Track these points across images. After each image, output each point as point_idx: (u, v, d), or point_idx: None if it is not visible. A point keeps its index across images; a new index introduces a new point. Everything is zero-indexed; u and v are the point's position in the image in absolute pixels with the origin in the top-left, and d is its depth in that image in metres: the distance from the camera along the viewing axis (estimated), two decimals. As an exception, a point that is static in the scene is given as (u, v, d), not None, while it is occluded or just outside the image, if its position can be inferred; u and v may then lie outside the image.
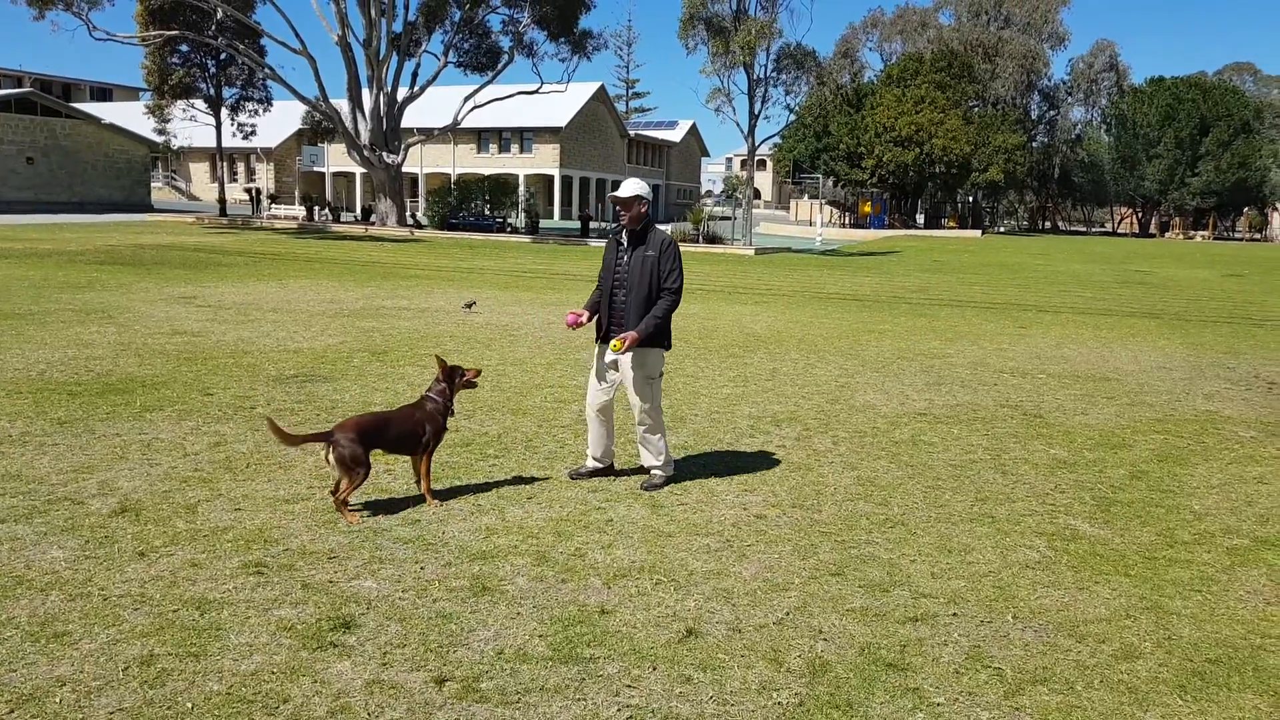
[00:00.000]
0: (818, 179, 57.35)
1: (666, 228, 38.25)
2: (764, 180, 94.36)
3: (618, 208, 5.37)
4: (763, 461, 6.13)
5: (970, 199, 72.48)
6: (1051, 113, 78.14)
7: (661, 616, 3.83)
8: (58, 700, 3.08)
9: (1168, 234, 73.81)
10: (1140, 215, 79.63)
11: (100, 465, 5.55)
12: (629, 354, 5.32)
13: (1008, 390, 8.89)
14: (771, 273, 23.97)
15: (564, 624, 3.72)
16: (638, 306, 5.29)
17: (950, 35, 70.14)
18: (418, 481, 5.10)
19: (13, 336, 9.81)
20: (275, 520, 4.76)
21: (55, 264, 18.24)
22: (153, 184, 52.95)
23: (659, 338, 5.40)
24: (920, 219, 68.46)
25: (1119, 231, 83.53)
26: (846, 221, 64.20)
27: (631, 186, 5.32)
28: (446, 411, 5.05)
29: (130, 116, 52.00)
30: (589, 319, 5.52)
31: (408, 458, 5.24)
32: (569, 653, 3.50)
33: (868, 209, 60.83)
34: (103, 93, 79.18)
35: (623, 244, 5.43)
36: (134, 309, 12.28)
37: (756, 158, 38.64)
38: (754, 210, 39.92)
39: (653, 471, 5.56)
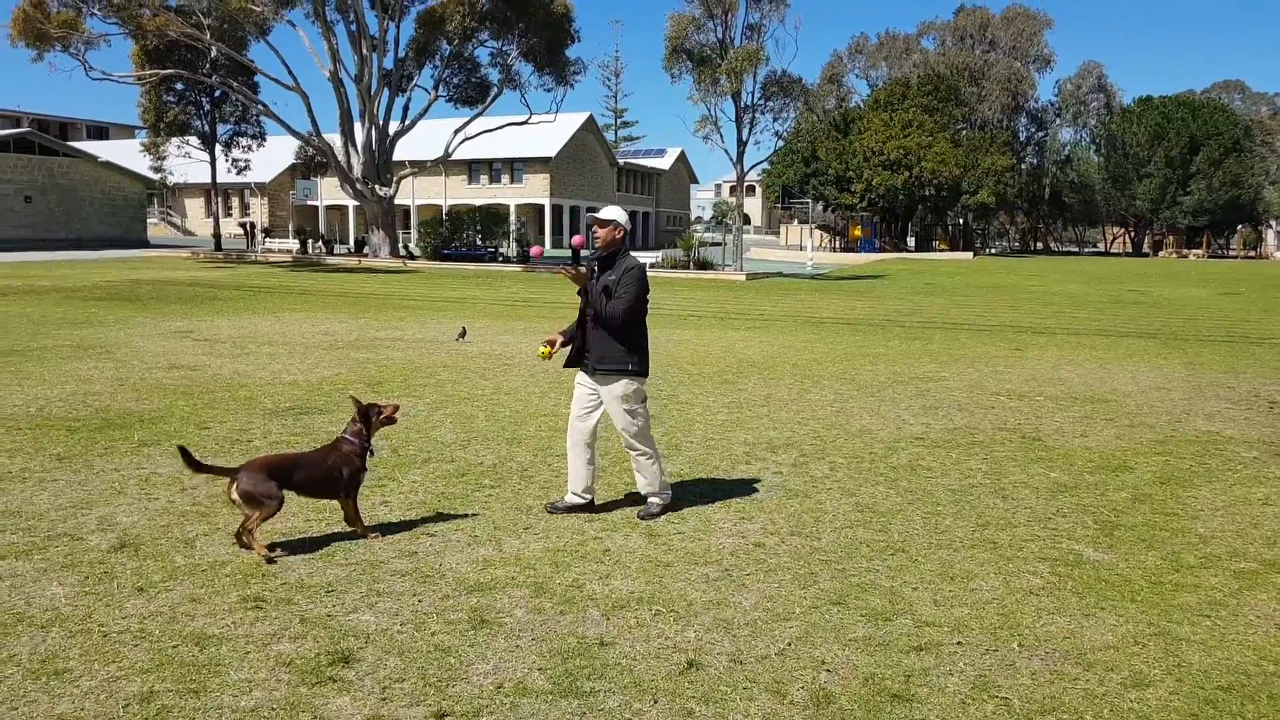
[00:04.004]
0: (807, 204, 57.63)
1: (657, 254, 38.47)
2: (754, 206, 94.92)
3: (594, 228, 5.37)
4: (760, 489, 6.10)
5: (961, 221, 72.95)
6: (1040, 134, 78.91)
7: (662, 648, 3.80)
8: (57, 739, 3.06)
9: (1161, 253, 74.23)
10: (1133, 234, 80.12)
11: (99, 501, 5.52)
12: (606, 388, 5.32)
13: (1005, 413, 8.88)
14: (763, 298, 24.03)
15: (563, 656, 3.69)
16: (600, 334, 5.28)
17: (936, 60, 70.98)
18: (347, 520, 4.95)
19: (11, 373, 9.79)
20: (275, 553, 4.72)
21: (53, 300, 18.24)
22: (149, 220, 53.06)
23: (622, 365, 5.28)
24: (911, 242, 68.83)
25: (1112, 251, 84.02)
26: (837, 245, 64.51)
27: (611, 211, 5.35)
28: (364, 452, 4.89)
29: (126, 154, 52.24)
30: (561, 344, 5.47)
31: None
32: (569, 686, 3.47)
33: (858, 233, 61.17)
34: (99, 131, 79.58)
35: (595, 272, 5.43)
36: (131, 344, 12.27)
37: (746, 183, 38.82)
38: (744, 236, 40.09)
39: (650, 500, 5.53)
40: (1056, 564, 4.87)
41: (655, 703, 3.37)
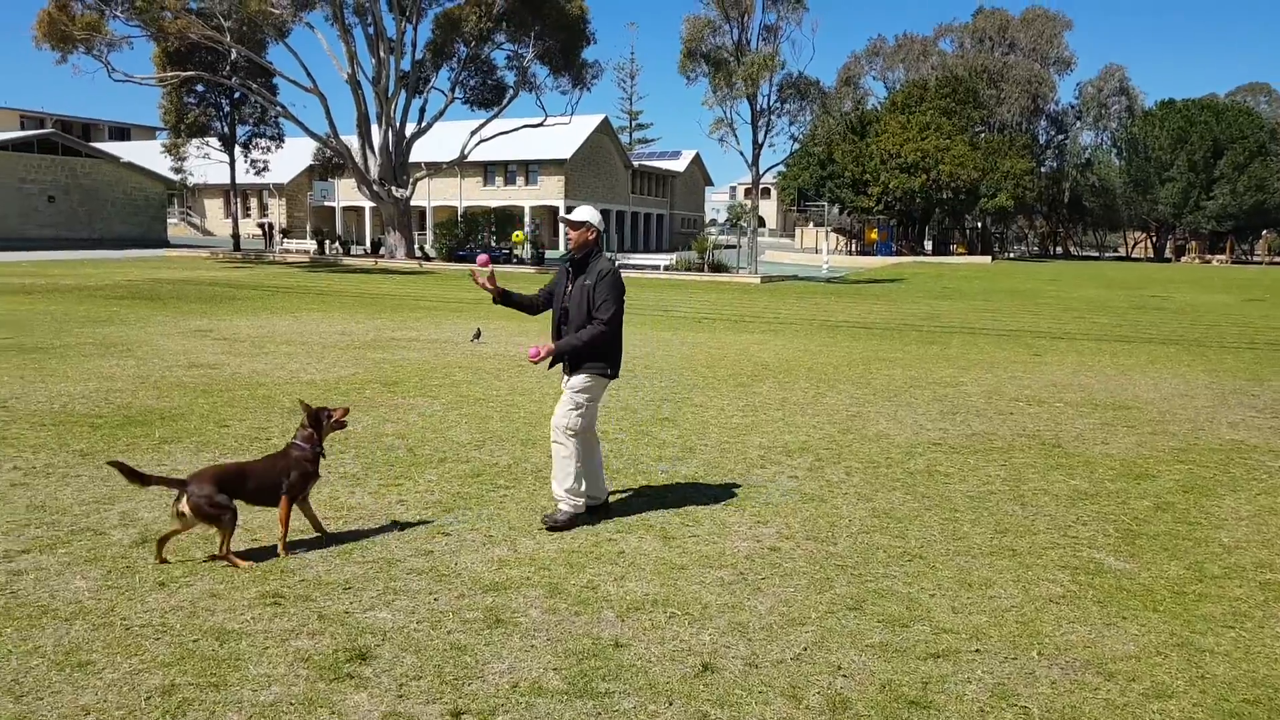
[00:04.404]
0: (823, 206, 57.49)
1: (671, 256, 38.46)
2: (769, 208, 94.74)
3: (567, 230, 5.30)
4: (775, 493, 6.08)
5: (979, 225, 72.47)
6: (1060, 137, 78.25)
7: (677, 651, 3.79)
8: (82, 729, 3.10)
9: (1184, 258, 73.35)
10: (1155, 239, 79.36)
11: (121, 496, 5.57)
12: (570, 379, 5.25)
13: (1024, 419, 8.81)
14: (778, 301, 23.98)
15: (578, 657, 3.69)
16: (575, 334, 5.21)
17: (954, 62, 70.56)
18: (313, 525, 4.91)
19: (36, 370, 9.90)
20: (291, 550, 4.75)
21: (76, 299, 18.42)
22: (169, 220, 53.58)
23: (592, 361, 5.20)
24: (928, 245, 68.50)
25: (1133, 256, 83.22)
26: (853, 249, 64.26)
27: (584, 212, 5.26)
28: (316, 455, 4.81)
29: (147, 155, 52.75)
30: (496, 288, 5.30)
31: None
32: (584, 687, 3.47)
33: (874, 236, 60.91)
34: (121, 132, 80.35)
35: (570, 273, 5.34)
36: (152, 342, 12.37)
37: (761, 186, 38.73)
38: (759, 239, 40.03)
39: (560, 503, 5.25)
40: (1077, 572, 4.83)
41: (670, 705, 3.36)
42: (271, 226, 49.66)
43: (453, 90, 38.46)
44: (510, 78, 38.92)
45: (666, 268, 35.16)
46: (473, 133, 38.23)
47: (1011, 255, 75.34)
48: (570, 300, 5.23)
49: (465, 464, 6.56)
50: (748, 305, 22.23)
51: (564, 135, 53.56)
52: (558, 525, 5.17)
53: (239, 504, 4.56)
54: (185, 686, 3.40)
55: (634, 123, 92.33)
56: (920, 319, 19.54)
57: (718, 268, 34.71)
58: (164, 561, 4.50)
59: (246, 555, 4.63)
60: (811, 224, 69.08)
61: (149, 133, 74.57)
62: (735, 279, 32.17)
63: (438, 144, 45.69)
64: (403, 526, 5.18)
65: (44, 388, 8.93)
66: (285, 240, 50.46)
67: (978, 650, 3.88)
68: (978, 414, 8.98)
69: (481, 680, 3.50)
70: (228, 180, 45.79)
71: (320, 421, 4.87)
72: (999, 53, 71.55)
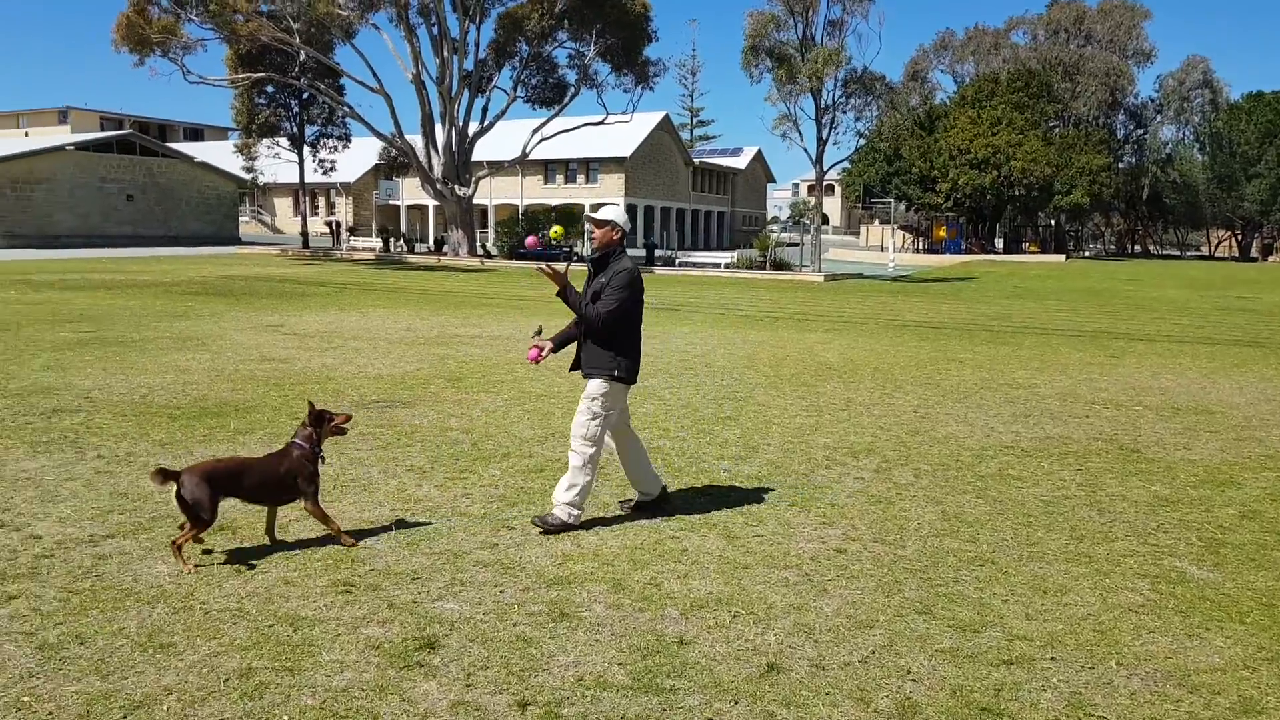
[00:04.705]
0: (889, 203, 56.56)
1: (732, 254, 38.25)
2: (832, 205, 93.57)
3: (591, 228, 5.22)
4: (841, 494, 5.99)
5: (1052, 223, 70.53)
6: (1139, 132, 75.59)
7: (742, 650, 3.76)
8: (165, 708, 3.21)
9: (1271, 258, 70.32)
10: (1240, 238, 76.31)
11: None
12: (586, 384, 5.14)
13: (1101, 423, 8.54)
14: (842, 300, 23.69)
15: (643, 653, 3.69)
16: (587, 334, 5.11)
17: (1027, 55, 68.72)
18: (321, 522, 4.79)
19: (118, 363, 10.27)
20: (361, 540, 4.85)
21: (153, 294, 19.07)
22: (240, 218, 55.09)
23: (608, 369, 5.05)
24: (999, 243, 66.90)
25: (1216, 255, 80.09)
26: (920, 246, 63.13)
27: (609, 211, 5.19)
28: (315, 457, 4.74)
29: (220, 155, 54.32)
30: (550, 351, 5.25)
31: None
32: (649, 683, 3.46)
33: (943, 233, 59.69)
34: (195, 133, 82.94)
35: (591, 273, 5.26)
36: (226, 337, 12.74)
37: (825, 183, 38.27)
38: (823, 236, 39.59)
39: (556, 507, 5.07)
40: (1157, 581, 4.66)
41: (736, 704, 3.34)
42: (339, 224, 50.79)
43: (514, 89, 38.82)
44: (571, 76, 39.18)
45: (728, 266, 34.99)
46: (534, 131, 38.54)
47: (1087, 254, 73.19)
48: (576, 298, 5.15)
49: (528, 459, 6.61)
50: (811, 304, 22.01)
51: (624, 133, 53.67)
52: (548, 529, 5.02)
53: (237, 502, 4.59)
54: (262, 670, 3.49)
55: (695, 120, 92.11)
56: (991, 319, 19.12)
57: (780, 266, 34.43)
58: (207, 551, 4.61)
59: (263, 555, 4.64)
60: (877, 221, 68.07)
61: (221, 133, 76.87)
62: (798, 277, 31.88)
63: (499, 143, 46.15)
64: (469, 521, 5.23)
65: (125, 380, 9.25)
66: (352, 238, 51.55)
67: (1053, 658, 3.77)
68: (1052, 417, 8.74)
69: (547, 673, 3.52)
70: (297, 179, 46.92)
71: (322, 421, 4.81)
72: (1074, 45, 69.43)
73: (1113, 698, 3.48)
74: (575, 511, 5.09)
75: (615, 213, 5.16)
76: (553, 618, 3.99)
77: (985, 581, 4.57)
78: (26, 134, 70.10)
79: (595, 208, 5.37)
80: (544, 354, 5.23)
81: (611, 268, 5.11)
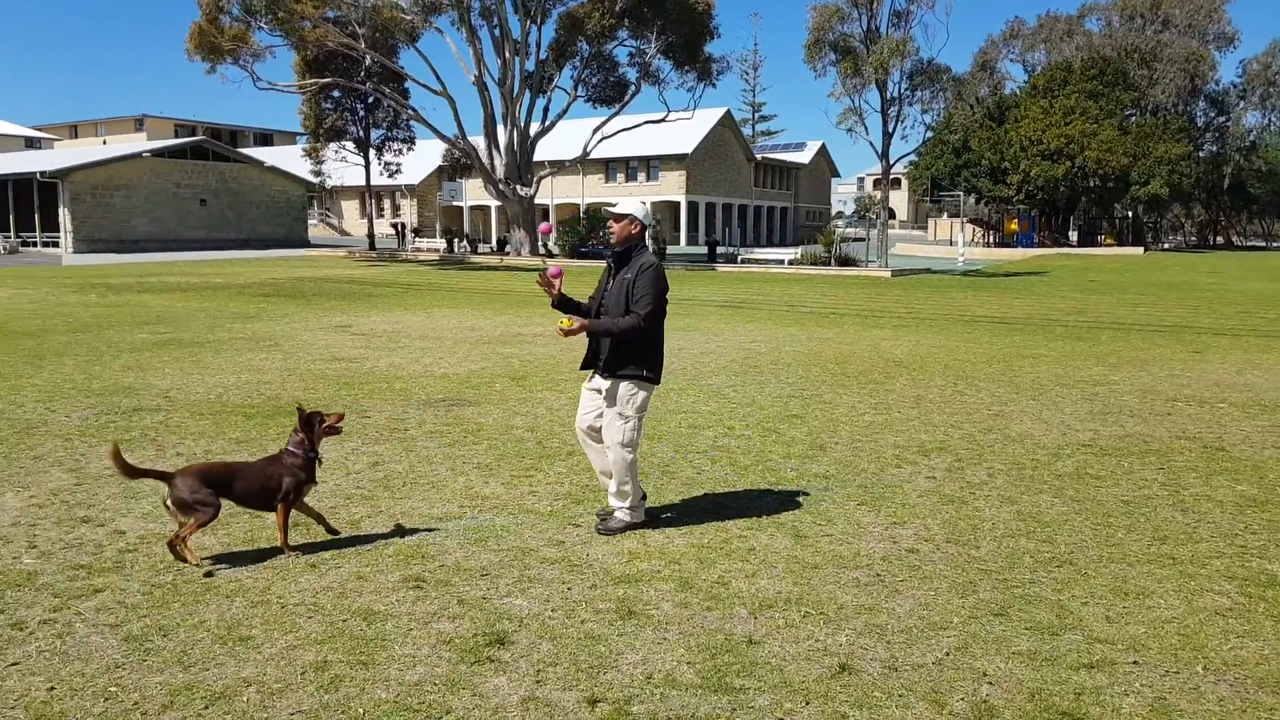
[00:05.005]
0: (958, 196, 55.36)
1: (795, 250, 37.86)
2: (899, 199, 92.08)
3: (610, 223, 5.07)
4: (912, 493, 5.88)
5: (1129, 214, 68.25)
6: (1221, 119, 72.61)
7: (812, 650, 3.71)
8: (245, 700, 3.29)
9: (1364, 248, 67.12)
10: (1331, 227, 72.94)
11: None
12: (609, 387, 4.95)
13: (1184, 420, 8.24)
14: (910, 295, 23.28)
15: (711, 652, 3.67)
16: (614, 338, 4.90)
17: (1101, 42, 66.58)
18: (323, 526, 4.81)
19: (194, 363, 10.60)
20: (431, 537, 4.93)
21: (227, 296, 19.65)
22: (309, 221, 56.40)
23: (629, 365, 4.90)
24: (1073, 236, 64.99)
25: (1305, 246, 76.71)
26: (991, 240, 61.70)
27: (628, 204, 5.03)
28: (310, 461, 4.68)
29: (288, 159, 55.70)
30: (559, 292, 4.98)
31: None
32: (718, 682, 3.44)
33: (1014, 226, 58.22)
34: (264, 138, 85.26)
35: (611, 268, 5.12)
36: (296, 337, 13.05)
37: (891, 176, 37.63)
38: (889, 231, 38.92)
39: (615, 513, 5.05)
40: (1246, 584, 4.47)
41: (807, 704, 3.30)
42: (404, 226, 51.71)
43: (575, 88, 39.01)
44: (632, 74, 39.20)
45: (791, 262, 34.65)
46: (595, 130, 38.68)
47: (1166, 246, 70.68)
48: (609, 296, 4.97)
49: (594, 457, 6.61)
50: (878, 300, 21.67)
51: (685, 130, 53.56)
52: (610, 531, 5.01)
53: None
54: (337, 663, 3.55)
55: (757, 115, 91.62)
56: (1066, 314, 18.59)
57: (845, 261, 33.98)
58: (208, 575, 4.41)
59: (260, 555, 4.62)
60: (945, 215, 66.71)
61: (290, 138, 78.86)
62: (864, 272, 31.42)
63: (561, 142, 46.47)
64: (535, 518, 5.26)
65: (201, 379, 9.53)
66: (416, 239, 52.44)
67: (1135, 662, 3.65)
68: (1131, 414, 8.46)
69: (616, 670, 3.52)
70: (363, 182, 47.89)
71: (312, 425, 4.72)
72: (1151, 30, 67.01)
73: (1200, 704, 3.34)
74: (635, 514, 5.08)
75: (633, 205, 5.01)
76: (620, 615, 3.99)
77: (1063, 583, 4.44)
78: (105, 142, 72.94)
79: (613, 204, 5.19)
80: (576, 327, 4.85)
81: (635, 262, 4.94)
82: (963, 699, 3.35)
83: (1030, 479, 6.25)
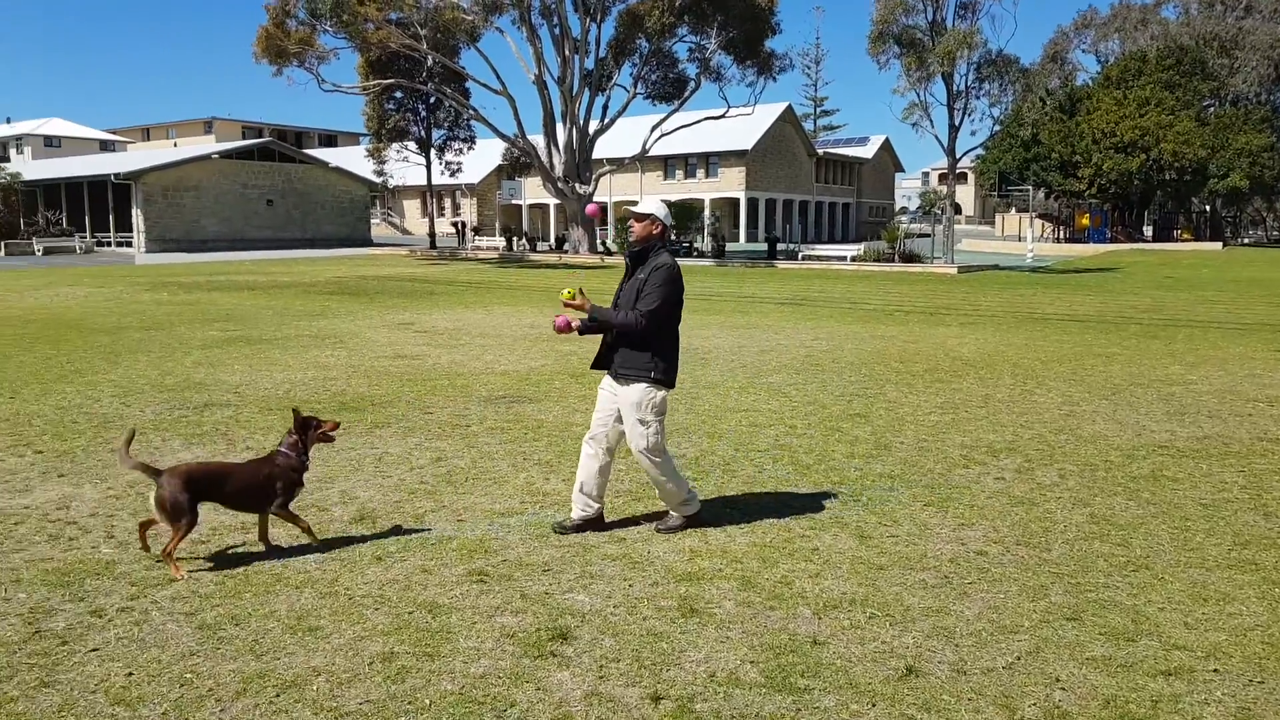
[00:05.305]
0: (1027, 191, 54.02)
1: (858, 247, 37.38)
2: (965, 194, 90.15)
3: (630, 223, 4.98)
4: (980, 494, 5.75)
5: (1207, 208, 65.85)
6: (1308, 109, 69.52)
7: (878, 652, 3.65)
8: (315, 688, 3.35)
9: None
10: None
11: (340, 476, 6.01)
12: (623, 391, 4.84)
13: (1266, 422, 7.92)
14: (977, 292, 22.81)
15: (775, 652, 3.63)
16: (620, 334, 4.85)
17: (1178, 30, 64.30)
18: (259, 534, 4.70)
19: (263, 359, 10.86)
20: (493, 532, 4.97)
21: (293, 294, 20.11)
22: (372, 220, 57.48)
23: (640, 367, 4.80)
24: (1148, 231, 62.98)
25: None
26: (1061, 236, 60.17)
27: (649, 204, 4.94)
28: (300, 465, 4.63)
29: (352, 159, 56.85)
30: (578, 329, 4.96)
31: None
32: (782, 682, 3.41)
33: (1086, 221, 56.66)
34: (329, 139, 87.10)
35: (629, 268, 4.96)
36: (361, 334, 13.30)
37: (957, 171, 36.86)
38: (955, 226, 38.17)
39: (670, 515, 5.04)
40: (1337, 591, 4.28)
41: (873, 706, 3.25)
42: (464, 225, 52.37)
43: (634, 85, 39.06)
44: (691, 70, 39.10)
45: (854, 258, 34.22)
46: (654, 127, 38.68)
47: (1246, 241, 68.07)
48: (623, 296, 4.88)
49: (654, 454, 6.60)
50: (943, 297, 21.28)
51: (745, 126, 53.26)
52: (670, 529, 4.98)
53: (217, 507, 4.54)
54: (403, 655, 3.60)
55: (819, 109, 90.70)
56: (1140, 311, 18.04)
57: (910, 258, 33.45)
58: (146, 549, 4.51)
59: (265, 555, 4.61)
60: (1014, 210, 65.22)
61: (353, 138, 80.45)
62: (929, 269, 30.89)
63: (619, 140, 46.56)
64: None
65: (269, 375, 9.76)
66: (476, 238, 53.08)
67: (1216, 670, 3.52)
68: (1210, 415, 8.16)
69: (679, 667, 3.51)
70: (424, 181, 48.62)
71: (306, 429, 4.68)
72: (1233, 18, 64.46)
73: (1290, 718, 3.20)
74: (688, 507, 5.02)
75: (655, 205, 4.92)
76: (683, 613, 3.97)
77: (1139, 588, 4.30)
78: (175, 144, 75.27)
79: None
80: (572, 327, 4.91)
81: (651, 263, 4.84)
82: (1034, 704, 3.27)
83: (1104, 481, 6.07)
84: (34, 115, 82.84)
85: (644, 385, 4.81)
